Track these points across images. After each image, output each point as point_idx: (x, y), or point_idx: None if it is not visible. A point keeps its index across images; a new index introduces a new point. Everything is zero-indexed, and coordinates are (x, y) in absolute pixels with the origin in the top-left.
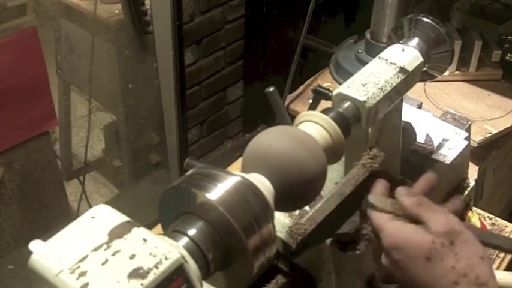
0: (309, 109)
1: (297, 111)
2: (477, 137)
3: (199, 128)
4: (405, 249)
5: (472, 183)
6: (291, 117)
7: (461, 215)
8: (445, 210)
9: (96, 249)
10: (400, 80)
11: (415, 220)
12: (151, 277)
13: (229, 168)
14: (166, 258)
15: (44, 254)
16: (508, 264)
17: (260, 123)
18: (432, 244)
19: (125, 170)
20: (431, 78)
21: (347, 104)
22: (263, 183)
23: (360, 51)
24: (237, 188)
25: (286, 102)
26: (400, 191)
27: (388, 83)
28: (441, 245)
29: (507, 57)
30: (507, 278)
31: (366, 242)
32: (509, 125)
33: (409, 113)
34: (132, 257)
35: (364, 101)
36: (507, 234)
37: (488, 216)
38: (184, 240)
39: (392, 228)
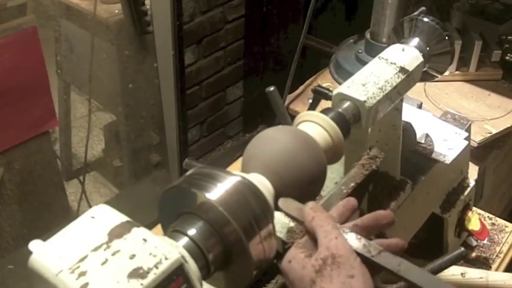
0: (309, 109)
1: (297, 111)
2: (477, 137)
3: (199, 128)
4: (288, 275)
5: (472, 183)
6: (291, 117)
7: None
8: (337, 232)
9: (96, 249)
10: (400, 80)
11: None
12: (151, 277)
13: (229, 168)
14: (166, 258)
15: (44, 254)
16: (508, 266)
17: (260, 123)
18: (305, 271)
19: (125, 170)
20: (431, 78)
21: (347, 104)
22: (263, 183)
23: (360, 51)
24: (237, 188)
25: (286, 102)
26: (309, 203)
27: (388, 82)
28: (315, 272)
29: (507, 57)
30: (505, 279)
31: None
32: (509, 125)
33: (409, 113)
34: (132, 257)
35: (364, 101)
36: (507, 235)
37: (488, 216)
38: (184, 240)
39: (289, 252)
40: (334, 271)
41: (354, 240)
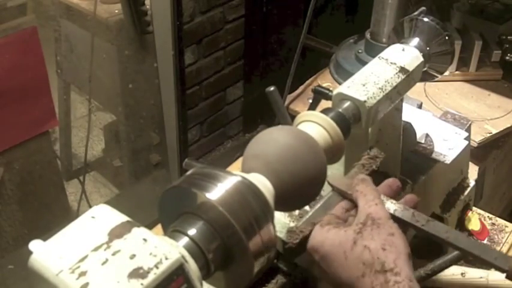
0: (309, 109)
1: (297, 111)
2: (477, 137)
3: (199, 128)
4: (321, 248)
5: (472, 183)
6: (291, 117)
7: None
8: (378, 200)
9: (96, 249)
10: (400, 79)
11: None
12: (151, 277)
13: (229, 168)
14: (166, 258)
15: (44, 254)
16: None
17: (260, 123)
18: (342, 237)
19: (125, 170)
20: (431, 78)
21: (347, 104)
22: (263, 183)
23: (360, 51)
24: (237, 188)
25: (286, 102)
26: (360, 175)
27: (388, 82)
28: (354, 236)
29: (507, 57)
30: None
31: None
32: (509, 125)
33: (409, 113)
34: (132, 256)
35: (365, 101)
36: (507, 235)
37: (488, 216)
38: (185, 240)
39: (314, 231)
40: (375, 230)
41: (403, 211)
